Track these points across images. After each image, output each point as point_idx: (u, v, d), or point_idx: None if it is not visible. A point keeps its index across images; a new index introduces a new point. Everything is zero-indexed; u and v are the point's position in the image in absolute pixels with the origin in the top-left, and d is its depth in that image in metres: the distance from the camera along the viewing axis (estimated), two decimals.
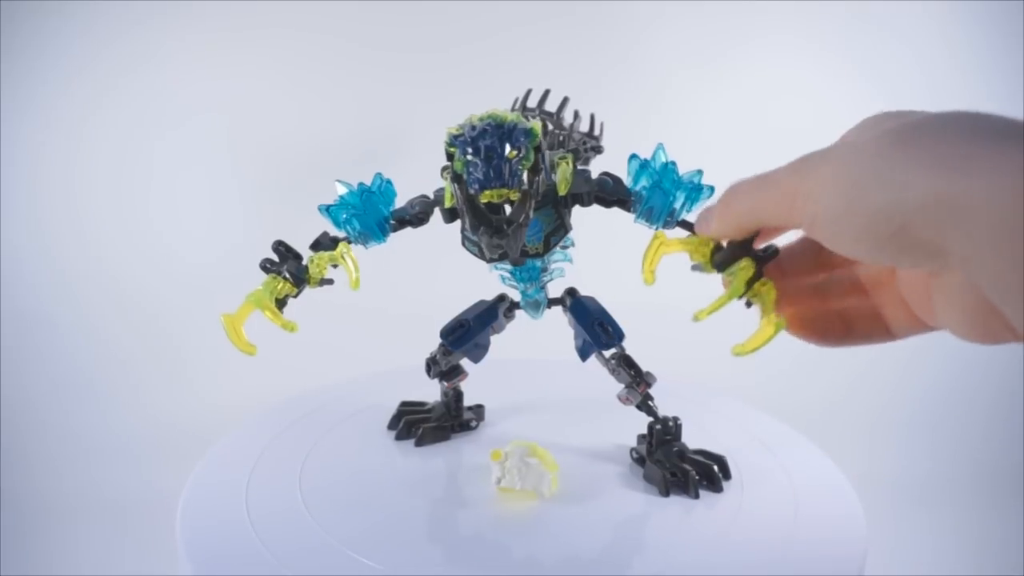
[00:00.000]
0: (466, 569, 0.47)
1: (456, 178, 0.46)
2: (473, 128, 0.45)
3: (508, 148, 0.44)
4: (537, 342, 0.70)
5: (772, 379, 0.56)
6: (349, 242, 0.53)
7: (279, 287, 0.52)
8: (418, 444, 0.63)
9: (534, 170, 0.46)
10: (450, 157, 0.46)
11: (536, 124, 0.46)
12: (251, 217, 1.27)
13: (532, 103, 0.60)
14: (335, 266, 0.53)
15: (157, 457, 0.97)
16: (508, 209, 0.47)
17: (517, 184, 0.45)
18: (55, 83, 1.23)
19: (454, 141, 0.45)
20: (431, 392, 0.67)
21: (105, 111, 1.25)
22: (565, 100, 0.60)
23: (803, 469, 0.59)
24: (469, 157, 0.45)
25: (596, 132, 0.61)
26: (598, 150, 0.62)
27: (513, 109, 0.61)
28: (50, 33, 1.21)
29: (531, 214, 0.47)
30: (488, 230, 0.46)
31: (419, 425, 0.64)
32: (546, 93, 0.60)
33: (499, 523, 0.52)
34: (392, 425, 0.66)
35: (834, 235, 0.33)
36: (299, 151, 1.26)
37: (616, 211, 0.51)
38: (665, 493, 0.54)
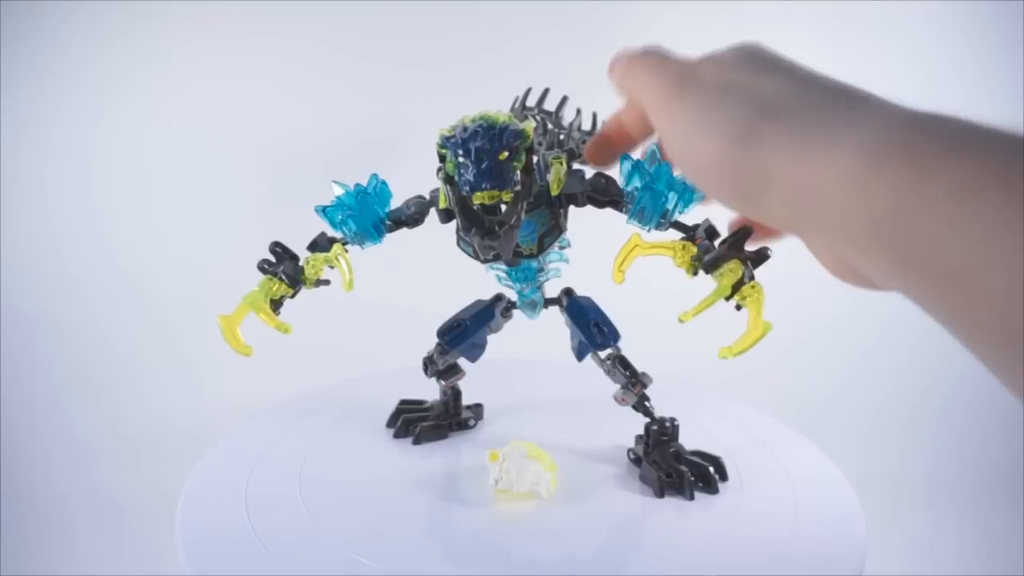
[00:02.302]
0: (465, 569, 0.47)
1: (448, 180, 0.46)
2: (465, 130, 0.45)
3: (499, 150, 0.44)
4: (537, 342, 0.69)
5: (772, 378, 0.56)
6: (346, 243, 0.53)
7: (275, 288, 0.53)
8: (416, 442, 0.63)
9: (526, 171, 0.45)
10: (442, 159, 0.46)
11: (528, 125, 0.45)
12: (251, 218, 1.27)
13: (532, 102, 0.60)
14: (332, 267, 0.53)
15: (157, 457, 0.98)
16: (504, 210, 0.46)
17: (508, 186, 0.44)
18: (60, 82, 1.24)
19: (445, 143, 0.45)
20: (430, 391, 0.67)
21: (107, 112, 1.26)
22: (564, 99, 0.60)
23: (802, 469, 0.59)
24: (460, 159, 0.44)
25: (598, 131, 0.61)
26: None
27: (513, 108, 0.61)
28: (53, 31, 1.22)
29: (523, 215, 0.46)
30: (480, 231, 0.46)
31: (417, 423, 0.64)
32: (545, 92, 0.60)
33: (496, 523, 0.52)
34: (390, 423, 0.66)
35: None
36: (298, 152, 1.27)
37: (613, 212, 0.51)
38: (660, 494, 0.54)
